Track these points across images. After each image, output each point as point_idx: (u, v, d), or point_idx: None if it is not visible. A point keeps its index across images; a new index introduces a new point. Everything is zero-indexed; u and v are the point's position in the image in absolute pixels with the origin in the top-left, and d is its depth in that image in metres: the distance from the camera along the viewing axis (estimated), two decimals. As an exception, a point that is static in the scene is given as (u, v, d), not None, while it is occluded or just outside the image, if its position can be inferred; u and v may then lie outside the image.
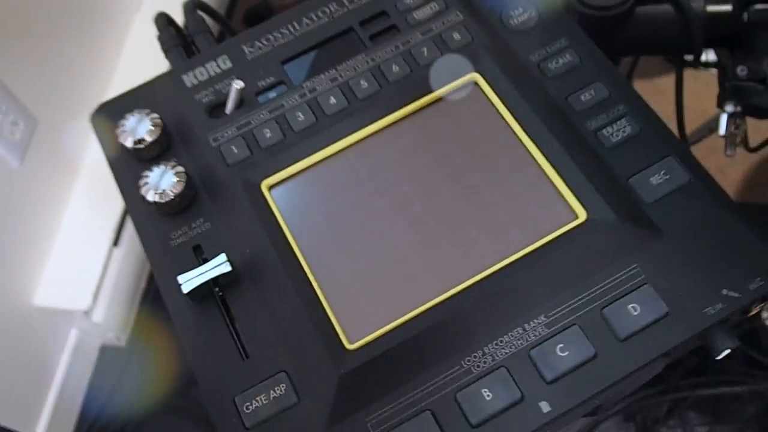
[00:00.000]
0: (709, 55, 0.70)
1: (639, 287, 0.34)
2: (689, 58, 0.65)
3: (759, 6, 0.60)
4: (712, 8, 0.62)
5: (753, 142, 0.70)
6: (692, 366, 1.09)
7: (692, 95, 0.71)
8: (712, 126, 0.68)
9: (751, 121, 0.66)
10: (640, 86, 1.11)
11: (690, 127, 0.88)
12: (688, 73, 0.68)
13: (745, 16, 0.60)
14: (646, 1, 0.63)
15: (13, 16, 1.01)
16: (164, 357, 1.23)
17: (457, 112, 0.39)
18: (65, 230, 1.15)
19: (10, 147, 1.01)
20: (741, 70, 0.62)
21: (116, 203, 1.18)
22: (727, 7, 0.62)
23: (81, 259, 1.14)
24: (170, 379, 1.21)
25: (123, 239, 1.18)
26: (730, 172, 1.26)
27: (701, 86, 0.70)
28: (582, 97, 0.39)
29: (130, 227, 1.19)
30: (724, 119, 0.64)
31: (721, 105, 0.65)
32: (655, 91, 0.75)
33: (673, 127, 0.62)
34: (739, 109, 0.65)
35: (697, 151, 0.79)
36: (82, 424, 1.20)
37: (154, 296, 1.27)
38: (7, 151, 1.01)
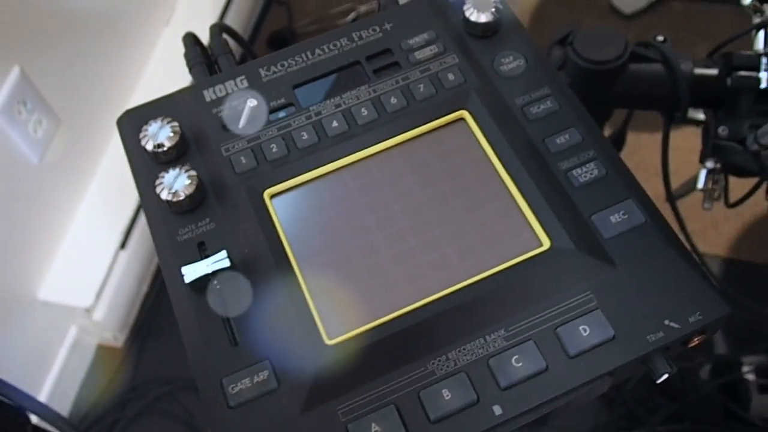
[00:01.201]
0: (700, 114, 0.74)
1: (591, 312, 0.37)
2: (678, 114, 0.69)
3: (742, 72, 0.64)
4: (699, 71, 0.66)
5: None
6: (671, 412, 1.12)
7: (694, 152, 0.74)
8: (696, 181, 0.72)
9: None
10: (643, 139, 1.15)
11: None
12: (691, 131, 0.72)
13: (729, 80, 0.65)
14: (639, 59, 0.67)
15: (47, 21, 1.06)
16: (158, 361, 1.26)
17: (444, 144, 0.43)
18: (75, 229, 1.17)
19: (32, 143, 1.05)
20: (722, 130, 0.66)
21: (126, 208, 1.22)
22: (713, 71, 0.66)
23: (88, 259, 1.17)
24: (161, 383, 1.24)
25: (130, 243, 1.22)
26: (723, 228, 1.28)
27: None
28: (557, 140, 0.43)
29: (137, 231, 1.22)
30: (702, 174, 0.68)
31: (702, 161, 0.69)
32: (658, 144, 0.78)
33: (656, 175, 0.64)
34: (718, 166, 0.69)
35: (693, 206, 0.82)
36: (72, 419, 1.22)
37: (154, 301, 1.30)
38: (28, 147, 1.04)
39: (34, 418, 0.38)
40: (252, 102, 0.45)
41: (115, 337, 1.25)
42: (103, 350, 1.27)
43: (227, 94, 0.46)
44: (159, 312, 1.29)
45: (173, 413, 1.22)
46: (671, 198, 0.80)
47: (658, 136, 0.76)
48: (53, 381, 1.17)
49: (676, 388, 1.12)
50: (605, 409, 1.15)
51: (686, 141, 0.82)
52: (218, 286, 0.39)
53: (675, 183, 0.82)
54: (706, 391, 1.11)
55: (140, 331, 1.29)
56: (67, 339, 1.20)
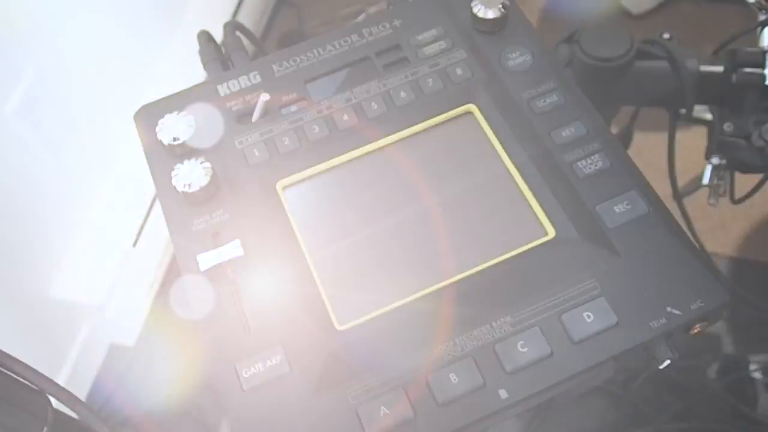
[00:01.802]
0: (706, 114, 0.74)
1: (594, 299, 0.38)
2: (683, 111, 0.70)
3: (747, 69, 0.65)
4: (704, 68, 0.67)
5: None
6: (678, 411, 1.12)
7: (701, 151, 0.75)
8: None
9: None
10: (650, 138, 1.15)
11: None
12: (699, 131, 0.72)
13: (734, 77, 0.65)
14: (645, 57, 0.68)
15: (60, 22, 1.07)
16: (169, 360, 1.27)
17: (452, 137, 0.45)
18: (88, 228, 1.18)
19: (47, 143, 1.06)
20: (727, 127, 0.66)
21: (139, 207, 1.23)
22: (719, 68, 0.66)
23: (100, 257, 1.18)
24: (172, 381, 1.25)
25: (142, 241, 1.23)
26: (731, 227, 1.28)
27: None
28: (563, 133, 0.44)
29: (149, 230, 1.24)
30: (708, 170, 0.69)
31: (708, 157, 0.70)
32: (665, 144, 0.79)
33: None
34: (724, 162, 0.69)
35: (701, 206, 0.83)
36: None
37: (166, 299, 1.31)
38: (42, 147, 1.05)
39: (54, 402, 0.39)
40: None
41: (127, 335, 1.26)
42: (114, 348, 1.28)
43: (241, 89, 0.47)
44: (170, 310, 1.30)
45: (184, 412, 1.23)
46: (678, 196, 0.81)
47: (666, 136, 0.77)
48: (65, 379, 1.17)
49: (684, 387, 1.12)
50: (612, 407, 1.15)
51: (694, 141, 0.83)
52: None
53: (682, 183, 0.82)
54: (714, 390, 1.11)
55: (152, 329, 1.29)
56: (79, 337, 1.21)
